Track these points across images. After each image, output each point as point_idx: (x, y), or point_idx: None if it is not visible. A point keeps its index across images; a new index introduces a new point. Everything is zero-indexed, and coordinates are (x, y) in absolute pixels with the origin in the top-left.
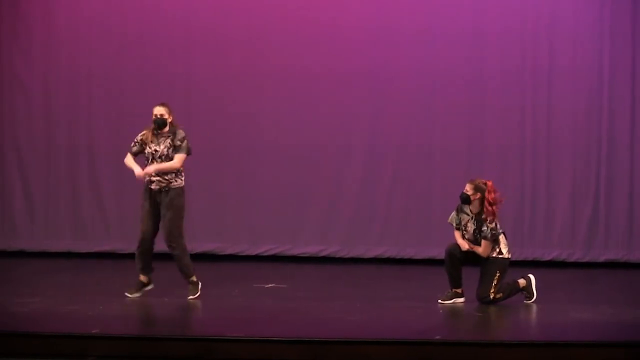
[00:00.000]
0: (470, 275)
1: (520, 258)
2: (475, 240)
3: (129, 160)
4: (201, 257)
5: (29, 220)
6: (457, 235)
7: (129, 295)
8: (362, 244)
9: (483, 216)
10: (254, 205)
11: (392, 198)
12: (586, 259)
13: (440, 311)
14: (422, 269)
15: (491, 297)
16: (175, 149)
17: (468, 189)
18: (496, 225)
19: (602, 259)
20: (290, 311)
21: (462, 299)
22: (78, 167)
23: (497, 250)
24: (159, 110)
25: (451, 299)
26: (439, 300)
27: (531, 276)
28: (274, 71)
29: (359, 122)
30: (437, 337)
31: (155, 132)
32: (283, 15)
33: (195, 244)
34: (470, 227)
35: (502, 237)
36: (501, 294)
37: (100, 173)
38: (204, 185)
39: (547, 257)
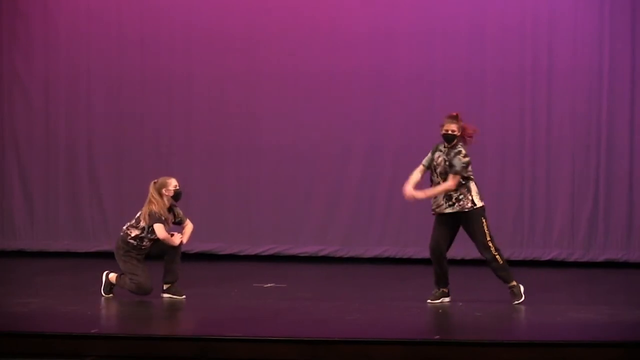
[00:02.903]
0: (472, 275)
1: (520, 258)
2: (445, 173)
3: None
4: (201, 257)
5: (28, 220)
6: (413, 178)
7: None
8: (361, 244)
9: (458, 149)
10: (253, 204)
11: (391, 198)
12: (585, 259)
13: (440, 311)
14: (422, 268)
15: (492, 249)
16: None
17: (454, 128)
18: (469, 163)
19: (601, 258)
20: (290, 311)
21: (448, 299)
22: (77, 167)
23: (470, 199)
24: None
25: (439, 299)
26: (428, 300)
27: (521, 286)
28: (274, 71)
29: (358, 121)
30: (437, 337)
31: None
32: (283, 15)
33: (194, 244)
34: (442, 161)
35: (473, 186)
36: (499, 254)
37: (99, 173)
38: (204, 185)
39: (546, 257)
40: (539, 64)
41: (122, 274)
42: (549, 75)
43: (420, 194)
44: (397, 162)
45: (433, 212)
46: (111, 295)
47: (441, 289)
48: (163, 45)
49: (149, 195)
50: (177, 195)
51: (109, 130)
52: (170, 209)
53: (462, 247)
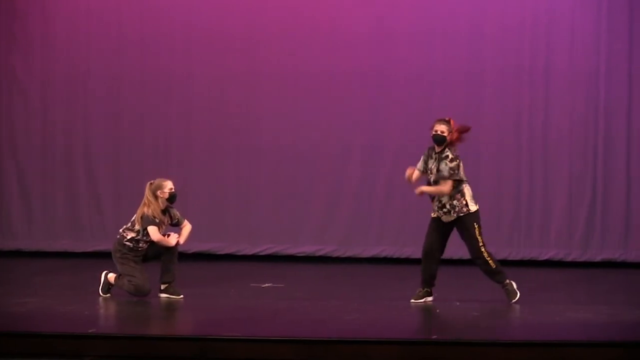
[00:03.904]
0: (470, 275)
1: (517, 258)
2: (438, 181)
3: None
4: (199, 257)
5: (26, 220)
6: (413, 173)
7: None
8: (359, 244)
9: (445, 154)
10: (252, 204)
11: (390, 198)
12: (583, 259)
13: (438, 311)
14: (420, 268)
15: (485, 255)
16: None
17: (444, 129)
18: (458, 166)
19: (598, 258)
20: (288, 311)
21: (431, 298)
22: (75, 167)
23: (465, 204)
24: (168, 185)
25: (422, 298)
26: (412, 300)
27: (513, 282)
28: (274, 71)
29: (358, 121)
30: (434, 336)
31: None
32: (282, 15)
33: (193, 244)
34: (434, 167)
35: (467, 190)
36: (491, 258)
37: (97, 173)
38: (204, 184)
39: (543, 257)
40: (538, 64)
41: (121, 274)
42: (546, 75)
43: (425, 189)
44: (396, 162)
45: (434, 215)
46: (109, 295)
47: (425, 289)
48: (163, 45)
49: (144, 197)
50: (172, 198)
51: (108, 130)
52: (166, 211)
53: (461, 247)
